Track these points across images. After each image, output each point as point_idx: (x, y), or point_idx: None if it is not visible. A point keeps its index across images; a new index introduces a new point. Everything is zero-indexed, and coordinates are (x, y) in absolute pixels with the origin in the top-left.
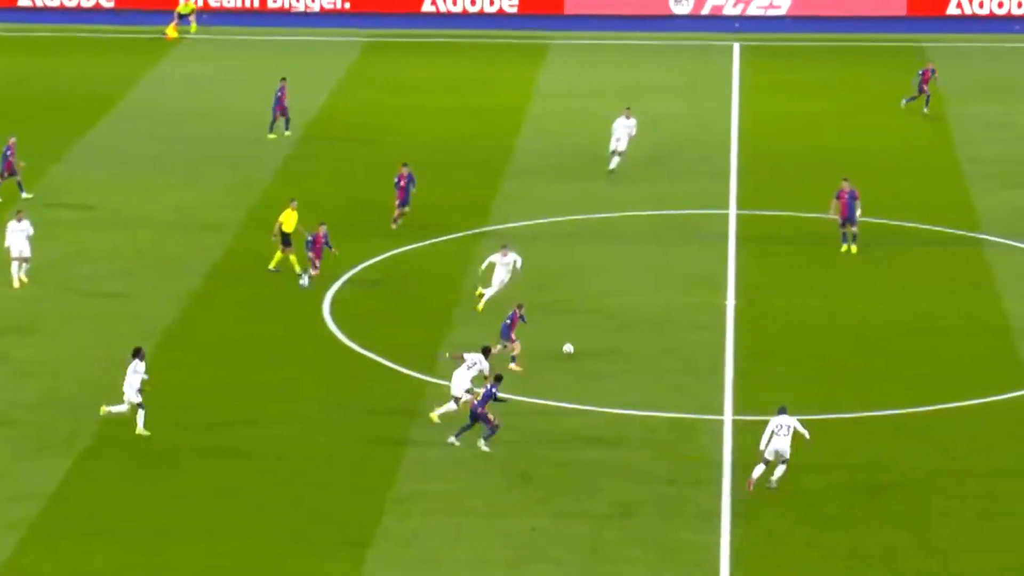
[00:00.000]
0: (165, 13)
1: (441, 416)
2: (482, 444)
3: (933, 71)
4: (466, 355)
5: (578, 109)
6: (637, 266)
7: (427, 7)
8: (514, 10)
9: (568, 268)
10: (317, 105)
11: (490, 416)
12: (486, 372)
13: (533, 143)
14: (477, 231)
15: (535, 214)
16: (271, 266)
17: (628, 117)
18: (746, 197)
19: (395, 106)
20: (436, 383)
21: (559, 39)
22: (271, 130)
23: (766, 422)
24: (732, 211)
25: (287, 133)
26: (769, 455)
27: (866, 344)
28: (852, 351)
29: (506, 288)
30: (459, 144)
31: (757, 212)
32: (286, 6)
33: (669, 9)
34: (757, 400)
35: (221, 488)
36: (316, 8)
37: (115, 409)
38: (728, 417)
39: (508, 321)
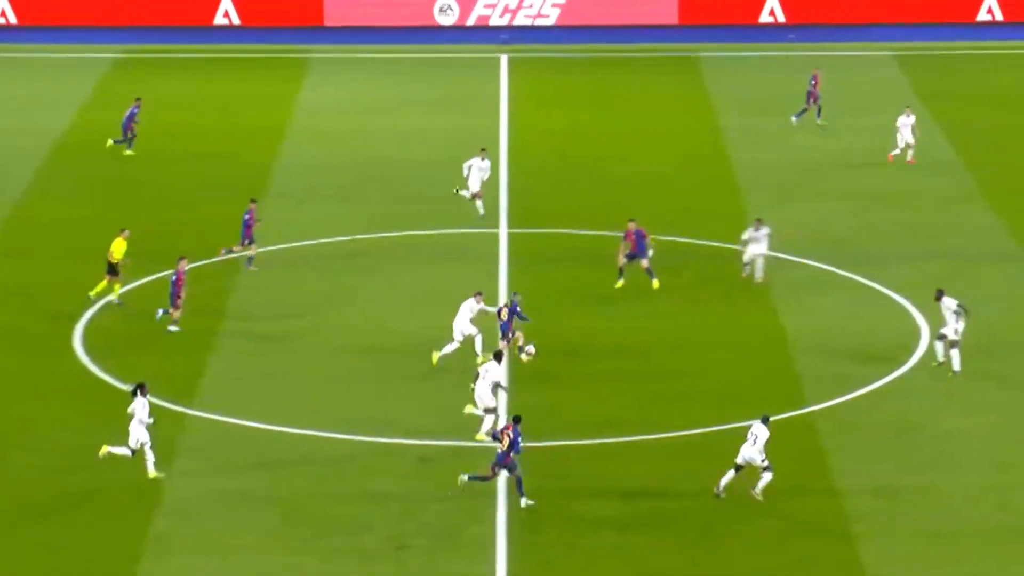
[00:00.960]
0: None
1: (486, 433)
2: (524, 500)
3: (817, 77)
4: (480, 370)
5: (341, 126)
6: (405, 288)
7: (181, 20)
8: (271, 23)
9: (333, 292)
10: (65, 124)
11: (513, 462)
12: (501, 382)
13: (295, 162)
14: (238, 255)
15: (297, 236)
16: (92, 293)
17: (484, 159)
18: (517, 215)
19: (148, 124)
20: (195, 415)
21: (319, 52)
22: (130, 146)
23: (544, 448)
24: (503, 229)
25: (128, 152)
26: (740, 460)
27: (646, 363)
28: (632, 371)
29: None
30: (216, 164)
31: (529, 230)
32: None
33: (434, 20)
34: (534, 425)
35: None
36: (64, 23)
37: (117, 450)
38: None
39: (506, 318)
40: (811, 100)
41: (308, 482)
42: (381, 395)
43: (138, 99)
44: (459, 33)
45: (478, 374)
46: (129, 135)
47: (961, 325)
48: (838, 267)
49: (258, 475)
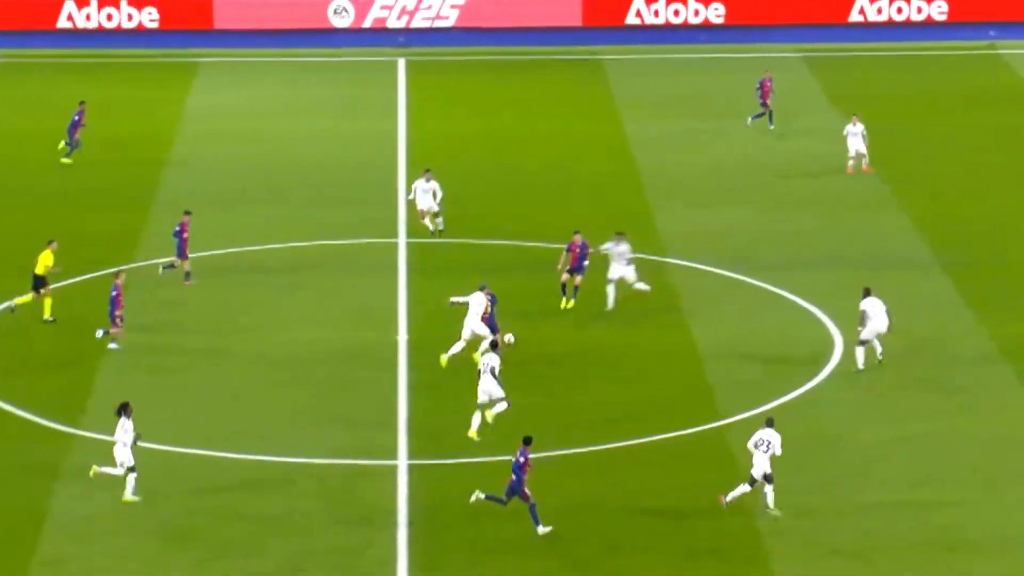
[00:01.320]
0: None
1: (495, 417)
2: (541, 529)
3: (770, 80)
4: (481, 363)
5: (232, 132)
6: (300, 301)
7: (63, 23)
8: (156, 25)
9: (225, 305)
10: None
11: (527, 491)
12: (497, 368)
13: (184, 170)
14: (125, 267)
15: (192, 247)
16: (46, 315)
17: (428, 180)
18: (415, 223)
19: (30, 131)
20: (83, 435)
21: (209, 56)
22: (68, 154)
23: (443, 465)
24: (402, 239)
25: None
26: (755, 474)
27: (549, 378)
28: (534, 385)
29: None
30: (103, 172)
31: (428, 240)
32: None
33: (328, 22)
34: (434, 442)
35: None
36: None
37: (107, 470)
38: (403, 461)
39: (490, 311)
40: (764, 106)
41: (200, 503)
42: (275, 413)
43: (82, 102)
44: (355, 36)
45: (480, 370)
46: (73, 142)
47: (885, 323)
48: (747, 275)
49: (148, 497)
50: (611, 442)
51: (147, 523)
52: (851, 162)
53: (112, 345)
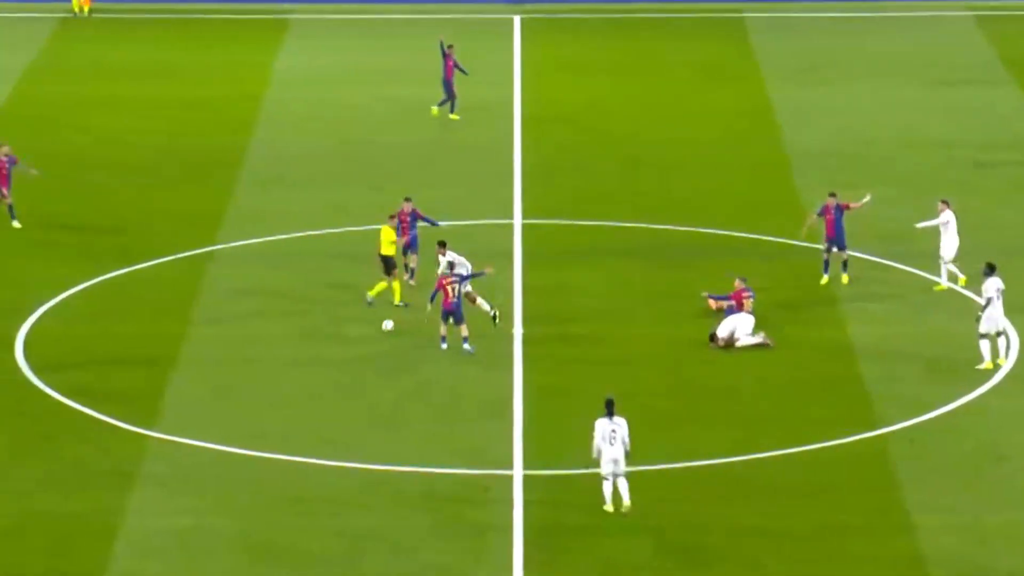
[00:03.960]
0: None
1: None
2: None
3: None
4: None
5: (326, 100)
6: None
7: None
8: None
9: (317, 293)
10: (3, 95)
11: None
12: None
13: (272, 142)
14: (204, 250)
15: (278, 228)
16: (370, 295)
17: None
18: (534, 204)
19: (94, 97)
20: (159, 437)
21: (301, 13)
22: (452, 109)
23: (563, 476)
24: (517, 220)
25: (452, 116)
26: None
27: (680, 380)
28: (663, 389)
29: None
30: (177, 145)
31: (548, 221)
32: None
33: None
34: (552, 451)
35: None
36: None
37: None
38: (519, 472)
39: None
40: None
41: (287, 515)
42: (373, 416)
43: (450, 46)
44: None
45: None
46: (452, 94)
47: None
48: (904, 263)
49: (228, 507)
50: (745, 453)
51: (228, 537)
52: None
53: (469, 348)
